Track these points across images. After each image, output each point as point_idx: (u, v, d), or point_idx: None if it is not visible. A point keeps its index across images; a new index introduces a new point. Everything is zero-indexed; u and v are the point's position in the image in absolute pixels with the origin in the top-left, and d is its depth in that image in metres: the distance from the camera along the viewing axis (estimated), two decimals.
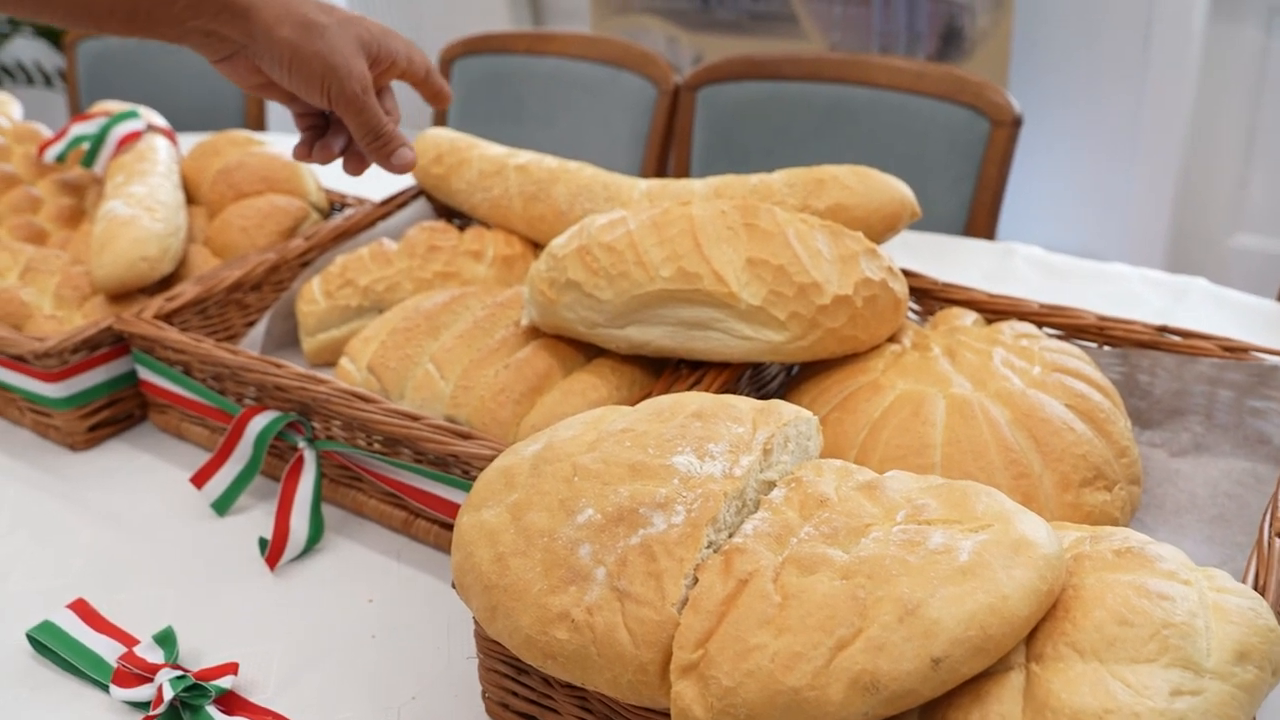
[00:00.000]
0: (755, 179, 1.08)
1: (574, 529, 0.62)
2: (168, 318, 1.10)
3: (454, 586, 0.69)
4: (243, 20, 0.79)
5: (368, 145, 0.88)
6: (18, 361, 1.08)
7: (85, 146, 1.38)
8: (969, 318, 0.95)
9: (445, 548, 0.90)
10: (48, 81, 3.29)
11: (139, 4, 0.78)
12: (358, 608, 0.86)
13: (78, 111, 2.27)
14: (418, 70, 0.90)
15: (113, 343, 1.10)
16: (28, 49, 3.42)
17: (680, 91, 1.62)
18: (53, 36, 3.16)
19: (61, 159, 1.40)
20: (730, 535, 0.63)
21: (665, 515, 0.62)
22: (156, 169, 1.30)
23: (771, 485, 0.66)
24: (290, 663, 0.81)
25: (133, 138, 1.36)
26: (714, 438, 0.66)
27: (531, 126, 1.74)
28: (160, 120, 1.44)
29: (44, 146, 1.41)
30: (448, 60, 1.87)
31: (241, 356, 0.99)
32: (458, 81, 1.86)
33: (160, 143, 1.38)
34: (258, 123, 2.17)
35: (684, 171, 1.61)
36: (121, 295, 1.16)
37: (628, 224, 0.91)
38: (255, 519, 0.98)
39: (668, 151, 1.64)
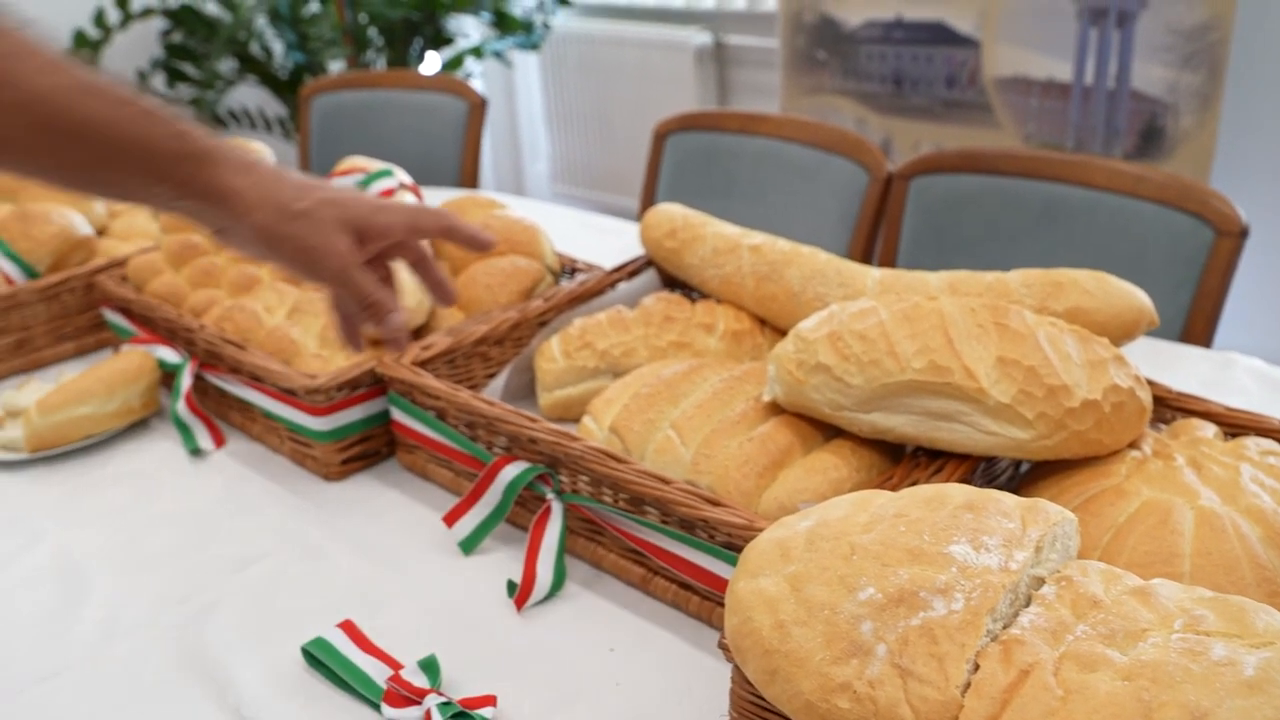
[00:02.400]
0: (990, 277, 1.11)
1: (855, 605, 0.67)
2: (422, 365, 1.19)
3: (721, 646, 0.74)
4: (222, 205, 0.83)
5: (360, 313, 0.91)
6: (287, 394, 1.19)
7: None
8: (1209, 430, 0.96)
9: (682, 606, 0.95)
10: (268, 127, 3.53)
11: (129, 188, 0.82)
12: (600, 655, 0.92)
13: (308, 160, 2.45)
14: (429, 231, 0.93)
15: (371, 384, 1.19)
16: (251, 96, 3.68)
17: (893, 179, 1.66)
18: (274, 85, 3.41)
19: None
20: (1005, 626, 0.66)
21: (945, 601, 0.65)
22: None
23: (1041, 581, 0.69)
24: (542, 701, 0.87)
25: (387, 194, 1.47)
26: (987, 530, 0.70)
27: (740, 203, 1.81)
28: (408, 179, 1.55)
29: None
30: (661, 134, 1.96)
31: (497, 408, 1.06)
32: (670, 155, 1.94)
33: (410, 200, 1.49)
34: (471, 180, 2.30)
35: (891, 258, 1.65)
36: (380, 341, 1.25)
37: (879, 314, 0.96)
38: (498, 560, 1.05)
39: (875, 237, 1.69)
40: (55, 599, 1.03)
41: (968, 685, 0.62)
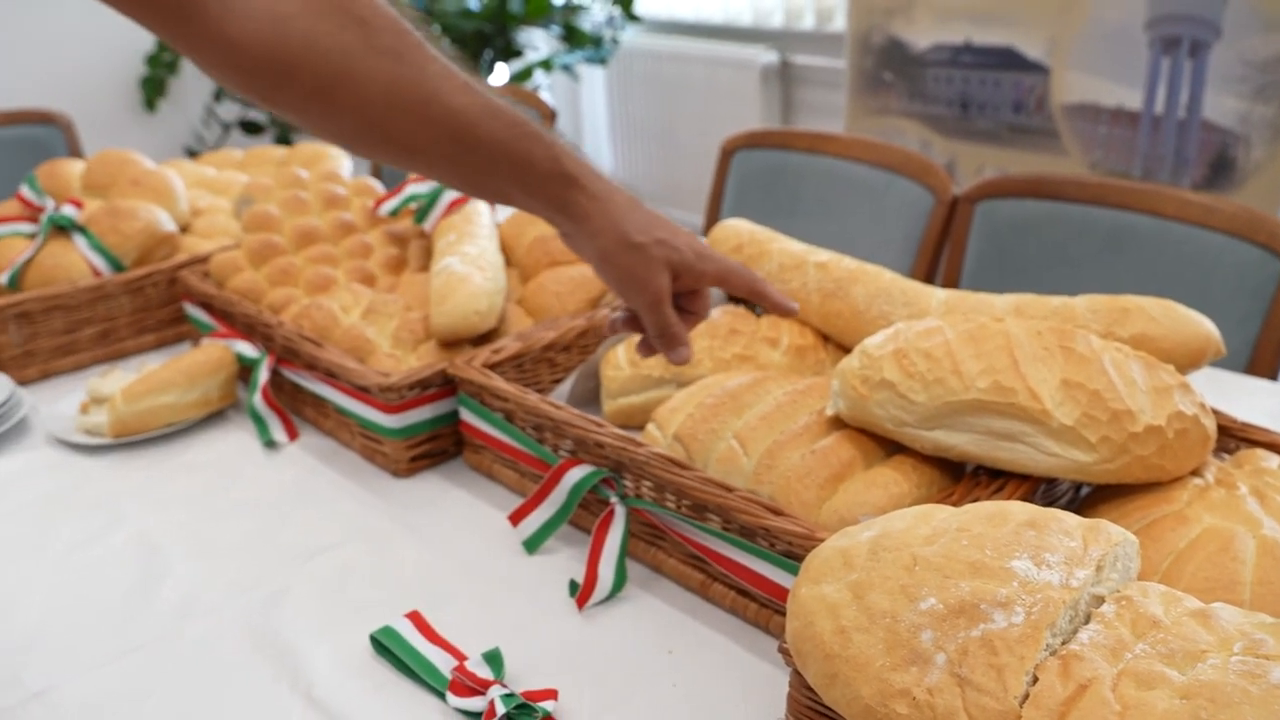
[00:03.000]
0: (1057, 301, 1.12)
1: (916, 614, 0.68)
2: (492, 367, 1.22)
3: (782, 651, 0.76)
4: (576, 222, 0.95)
5: (655, 339, 1.01)
6: (361, 391, 1.23)
7: (416, 205, 1.54)
8: (1273, 460, 0.96)
9: (740, 612, 0.97)
10: None
11: (508, 195, 0.94)
12: (659, 657, 0.94)
13: (379, 168, 2.50)
14: (738, 288, 1.02)
15: (441, 384, 1.23)
16: None
17: (959, 202, 1.67)
18: None
19: (394, 213, 1.57)
20: (1064, 642, 0.67)
21: (1006, 614, 0.67)
22: (482, 231, 1.44)
23: (1100, 600, 0.71)
24: (601, 697, 0.89)
25: (461, 202, 1.51)
26: (1049, 548, 0.71)
27: (804, 220, 1.83)
28: None
29: (380, 201, 1.59)
30: (729, 151, 1.99)
31: (565, 412, 1.09)
32: (736, 171, 1.97)
33: (483, 208, 1.53)
34: None
35: (954, 281, 1.66)
36: (451, 342, 1.29)
37: (945, 333, 0.97)
38: (559, 560, 1.07)
39: (939, 259, 1.70)
40: (136, 578, 1.08)
41: (1025, 697, 0.64)
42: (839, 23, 3.23)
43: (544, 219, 0.98)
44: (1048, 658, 0.65)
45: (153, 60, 3.40)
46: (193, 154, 3.58)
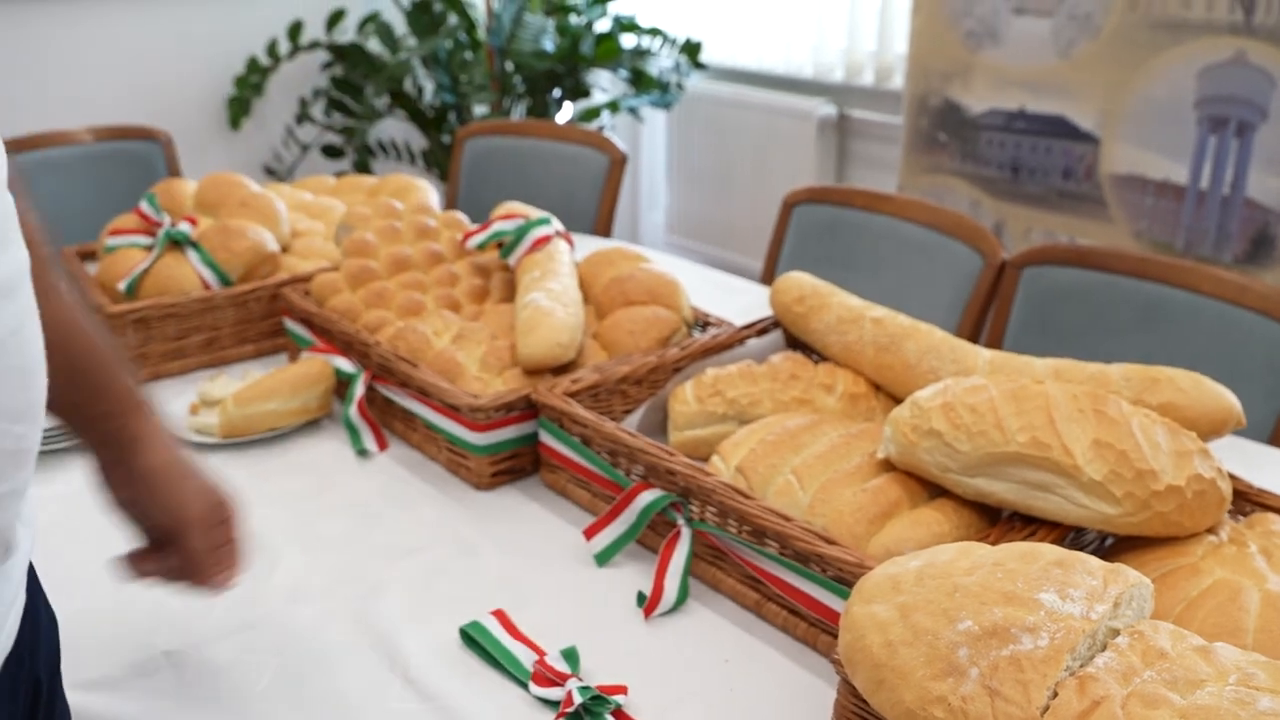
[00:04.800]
0: (1093, 367, 1.23)
1: (954, 633, 0.79)
2: (571, 395, 1.34)
3: (834, 660, 0.87)
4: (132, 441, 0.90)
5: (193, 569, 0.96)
6: (451, 410, 1.35)
7: (504, 240, 1.67)
8: None
9: (791, 630, 1.08)
10: (411, 160, 3.77)
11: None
12: (717, 665, 1.05)
13: (456, 195, 2.65)
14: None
15: (524, 408, 1.35)
16: (397, 129, 3.93)
17: (1006, 267, 1.78)
18: (420, 121, 3.65)
19: (481, 247, 1.70)
20: (1082, 665, 0.78)
21: (1033, 638, 0.77)
22: (564, 270, 1.57)
23: (1116, 632, 0.81)
24: (664, 697, 1.00)
25: (545, 240, 1.64)
26: (1073, 584, 0.82)
27: (857, 275, 1.94)
28: (561, 227, 1.72)
29: (468, 235, 1.72)
30: (790, 203, 2.11)
31: (639, 439, 1.21)
32: (796, 224, 2.09)
33: (564, 246, 1.65)
34: (606, 229, 2.48)
35: (997, 341, 1.77)
36: (534, 371, 1.41)
37: (990, 391, 1.08)
38: (627, 574, 1.19)
39: (984, 320, 1.80)
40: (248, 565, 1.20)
41: (1046, 709, 0.74)
42: (897, 81, 3.35)
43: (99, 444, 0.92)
44: (1067, 677, 0.76)
45: (240, 82, 3.58)
46: (271, 172, 3.75)
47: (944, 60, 2.98)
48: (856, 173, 3.61)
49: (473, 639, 1.06)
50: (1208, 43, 2.48)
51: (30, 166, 2.44)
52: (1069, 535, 1.08)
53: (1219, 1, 2.44)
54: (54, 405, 0.83)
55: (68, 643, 1.06)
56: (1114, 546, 1.09)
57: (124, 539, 1.16)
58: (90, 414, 0.90)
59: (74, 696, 0.99)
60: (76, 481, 1.38)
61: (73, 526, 1.27)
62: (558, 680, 1.00)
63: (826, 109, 3.53)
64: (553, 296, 1.47)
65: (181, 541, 0.94)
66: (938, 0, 2.95)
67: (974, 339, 1.80)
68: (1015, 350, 1.69)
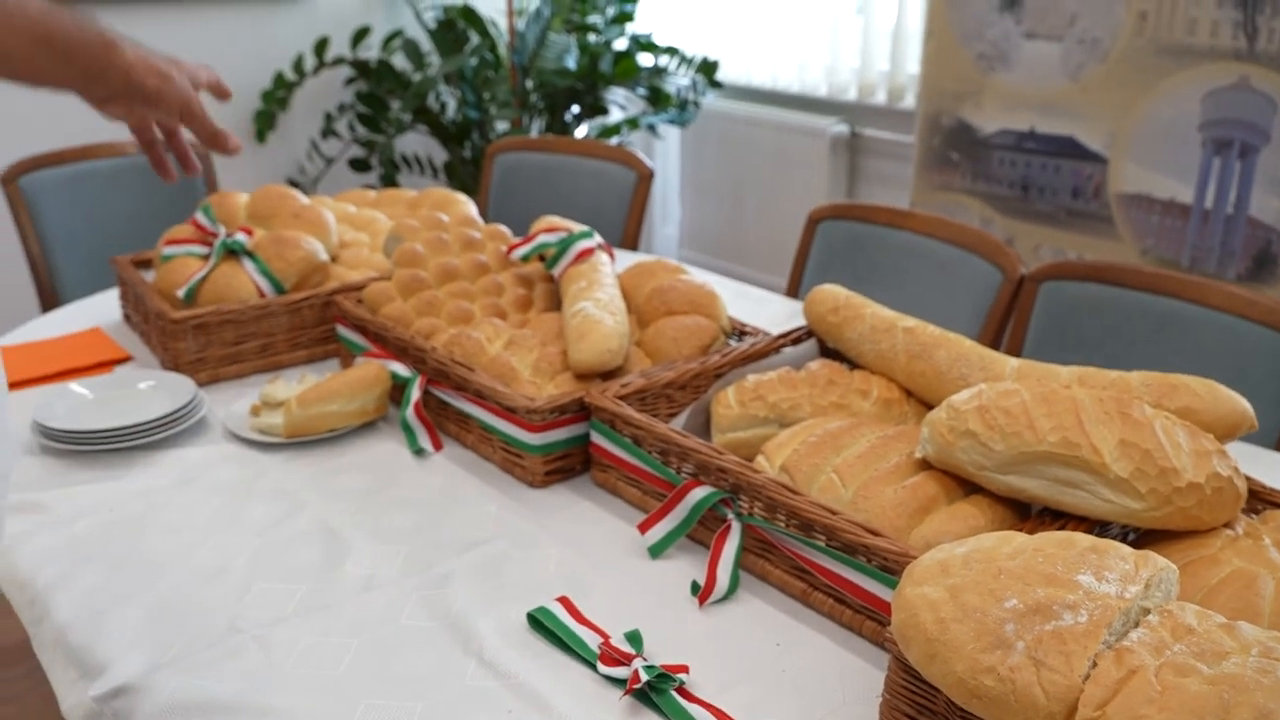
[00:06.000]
0: (1114, 374, 1.31)
1: (1001, 610, 0.87)
2: (620, 399, 1.42)
3: (886, 638, 0.94)
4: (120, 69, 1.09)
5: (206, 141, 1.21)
6: (507, 411, 1.43)
7: (548, 252, 1.75)
8: None
9: (837, 617, 1.16)
10: (434, 174, 3.86)
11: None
12: (769, 648, 1.13)
13: (486, 208, 2.73)
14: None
15: (577, 410, 1.43)
16: (419, 143, 4.02)
17: (1025, 282, 1.87)
18: (442, 135, 3.74)
19: (525, 259, 1.78)
20: (1118, 640, 0.86)
21: (1073, 614, 0.85)
22: (607, 280, 1.66)
23: (1147, 611, 0.89)
24: (722, 676, 1.08)
25: (588, 253, 1.72)
26: (1108, 568, 0.90)
27: (880, 289, 2.03)
28: (601, 240, 1.80)
29: (513, 246, 1.80)
30: (815, 219, 2.20)
31: (691, 440, 1.29)
32: (820, 240, 2.17)
33: (605, 259, 1.74)
34: (633, 242, 2.56)
35: (1017, 352, 1.85)
36: (585, 376, 1.50)
37: (1022, 395, 1.17)
38: (679, 565, 1.27)
39: (1003, 332, 1.89)
40: (322, 554, 1.28)
41: (1087, 677, 0.82)
42: (909, 101, 3.44)
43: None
44: (1105, 650, 0.84)
45: (267, 96, 3.67)
46: (295, 184, 3.84)
47: (956, 81, 3.08)
48: (868, 190, 3.70)
49: (540, 623, 1.14)
50: (1212, 68, 2.58)
51: (82, 175, 2.52)
52: (1096, 529, 1.16)
53: (1223, 28, 2.53)
54: (37, 78, 1.04)
55: (161, 626, 1.15)
56: (1138, 541, 1.17)
57: (211, 534, 1.25)
58: (68, 75, 1.06)
59: (170, 676, 1.07)
60: (149, 477, 1.46)
61: (151, 520, 1.36)
62: (623, 660, 1.08)
63: (839, 127, 3.62)
64: (600, 305, 1.55)
65: (177, 108, 1.15)
66: (950, 24, 3.05)
67: (994, 350, 1.89)
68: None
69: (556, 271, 1.73)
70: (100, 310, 2.07)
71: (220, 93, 1.25)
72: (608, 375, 1.52)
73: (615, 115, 3.99)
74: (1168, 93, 2.66)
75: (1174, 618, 0.87)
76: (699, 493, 1.26)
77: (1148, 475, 1.09)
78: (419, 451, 1.53)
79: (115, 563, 1.26)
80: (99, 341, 1.88)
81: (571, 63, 3.48)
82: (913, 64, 3.41)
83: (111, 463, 1.49)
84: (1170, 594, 0.94)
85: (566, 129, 3.78)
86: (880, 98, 3.56)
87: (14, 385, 1.70)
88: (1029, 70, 2.90)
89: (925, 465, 1.24)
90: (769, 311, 2.02)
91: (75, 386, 1.61)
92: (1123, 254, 2.82)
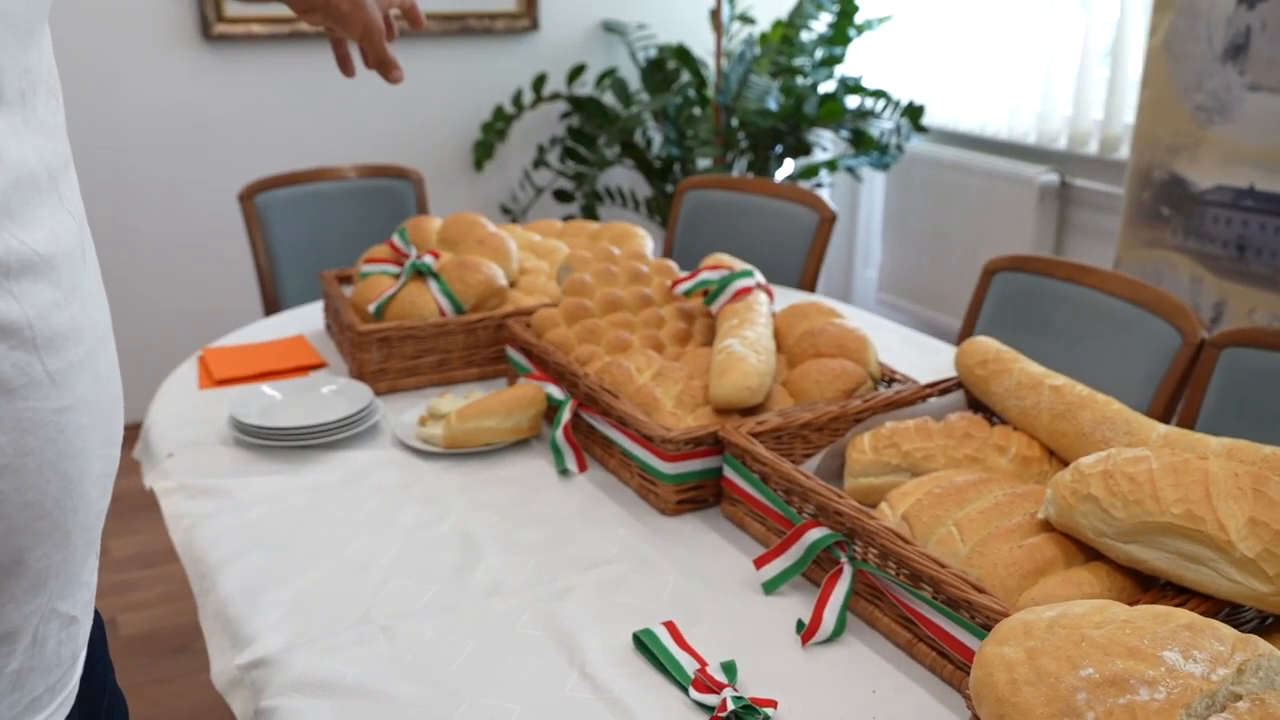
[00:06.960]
0: (1269, 449, 1.24)
1: (1076, 678, 0.85)
2: (756, 435, 1.45)
3: (963, 693, 0.94)
4: None
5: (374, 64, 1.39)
6: (646, 439, 1.49)
7: (709, 288, 1.81)
8: None
9: (939, 670, 1.15)
10: (636, 207, 3.99)
11: None
12: (864, 694, 1.13)
13: (673, 243, 2.82)
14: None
15: (712, 443, 1.47)
16: (625, 177, 4.16)
17: (1205, 346, 1.78)
18: (647, 171, 3.86)
19: (688, 294, 1.84)
20: None
21: (1150, 690, 0.83)
22: (760, 319, 1.69)
23: (1238, 698, 0.85)
24: (810, 716, 1.09)
25: (745, 291, 1.76)
26: (1199, 647, 0.87)
27: (1053, 344, 1.97)
28: (763, 279, 1.84)
29: (676, 281, 1.86)
30: (990, 270, 2.16)
31: (813, 480, 1.31)
32: (995, 290, 2.13)
33: (763, 298, 1.77)
34: (810, 284, 2.58)
35: (1190, 421, 1.76)
36: (724, 410, 1.54)
37: (1150, 462, 1.13)
38: (789, 603, 1.28)
39: (1178, 398, 1.80)
40: (457, 559, 1.37)
41: None
42: (1123, 152, 3.30)
43: None
44: None
45: (486, 128, 3.89)
46: (506, 211, 4.05)
47: (1171, 133, 2.94)
48: (1075, 242, 3.57)
49: (644, 644, 1.18)
50: None
51: (308, 196, 2.76)
52: (1223, 610, 1.11)
53: None
54: None
55: (305, 608, 1.26)
56: (1270, 627, 1.10)
57: (364, 531, 1.35)
58: None
59: (303, 655, 1.17)
60: (321, 474, 1.59)
61: (316, 513, 1.48)
62: (715, 688, 1.11)
63: (1048, 176, 3.52)
64: (746, 343, 1.59)
65: (359, 30, 1.33)
66: (1169, 73, 2.92)
67: (1166, 417, 1.80)
68: (1209, 431, 1.68)
69: (714, 307, 1.78)
70: (308, 319, 2.26)
71: (414, 20, 1.42)
72: (748, 412, 1.55)
73: (819, 156, 4.01)
74: None
75: (1267, 708, 0.83)
76: (815, 533, 1.28)
77: (1278, 558, 1.03)
78: (564, 471, 1.60)
79: (278, 548, 1.39)
80: (300, 348, 2.06)
81: (773, 104, 3.53)
82: (1128, 114, 3.27)
83: (290, 458, 1.64)
84: (1273, 684, 0.89)
85: (769, 168, 3.83)
86: (1092, 148, 3.43)
87: (220, 383, 1.89)
88: (1251, 124, 2.74)
89: (1048, 527, 1.21)
90: (935, 361, 2.00)
91: (266, 388, 1.78)
92: None
